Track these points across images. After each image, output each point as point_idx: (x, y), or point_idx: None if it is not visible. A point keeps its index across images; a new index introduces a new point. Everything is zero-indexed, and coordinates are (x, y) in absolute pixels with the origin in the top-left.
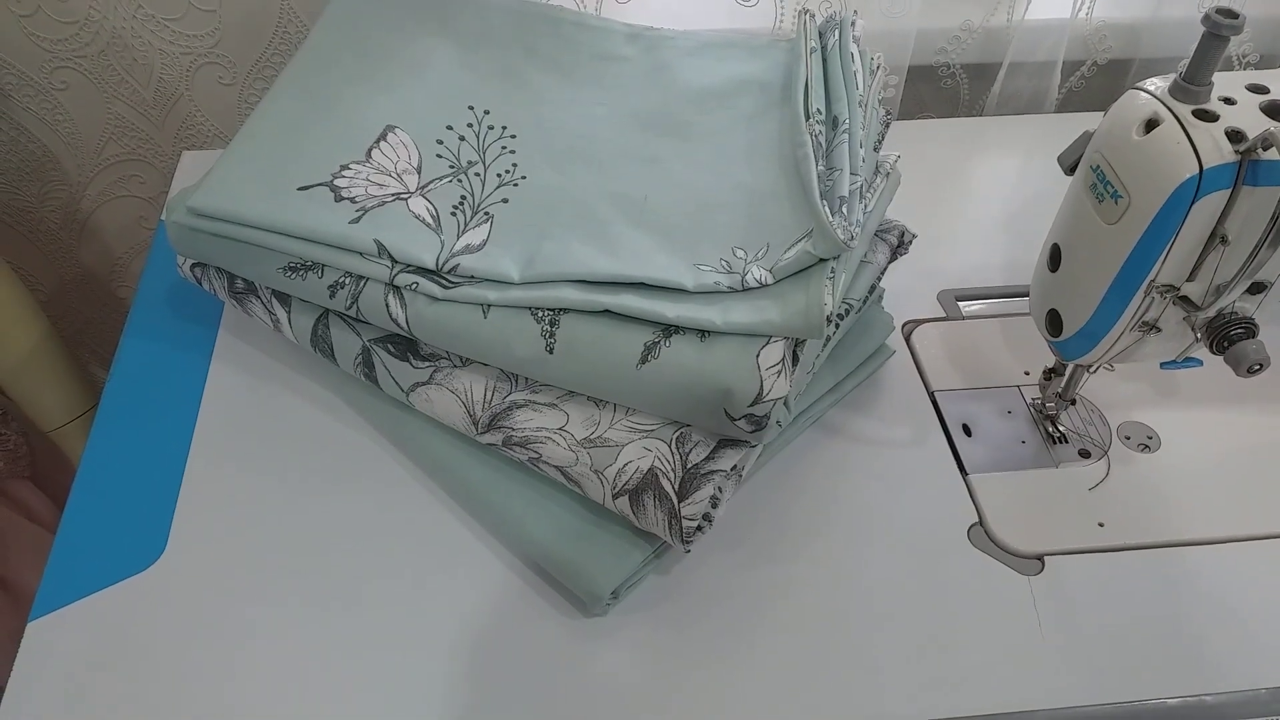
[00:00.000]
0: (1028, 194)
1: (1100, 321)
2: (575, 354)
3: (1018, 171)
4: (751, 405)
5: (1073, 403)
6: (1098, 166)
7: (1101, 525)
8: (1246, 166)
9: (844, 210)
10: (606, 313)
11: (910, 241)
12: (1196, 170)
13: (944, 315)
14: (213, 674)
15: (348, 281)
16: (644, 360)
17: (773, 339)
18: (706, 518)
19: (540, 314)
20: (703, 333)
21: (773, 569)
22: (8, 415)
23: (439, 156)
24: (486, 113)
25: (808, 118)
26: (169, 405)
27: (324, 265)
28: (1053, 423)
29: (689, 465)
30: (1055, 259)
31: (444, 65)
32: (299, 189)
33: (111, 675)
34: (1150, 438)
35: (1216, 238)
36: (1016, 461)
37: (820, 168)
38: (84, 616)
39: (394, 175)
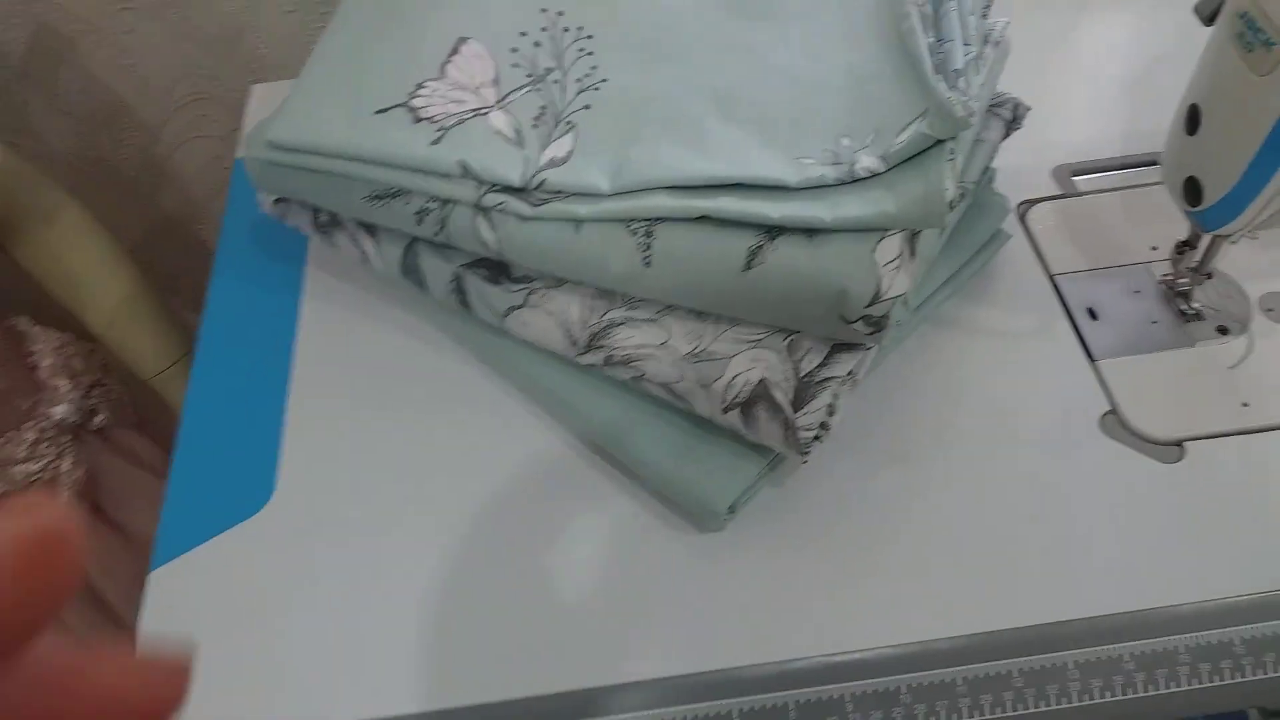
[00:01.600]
0: (1147, 56)
1: (1247, 187)
2: (674, 265)
3: (1134, 31)
4: (869, 305)
5: (1209, 276)
6: (1246, 13)
7: (1246, 405)
8: None
9: (961, 85)
10: (705, 219)
11: (1024, 115)
12: None
13: (1060, 192)
14: (335, 612)
15: (434, 206)
16: (748, 266)
17: (889, 232)
18: (824, 426)
19: (634, 225)
20: (810, 231)
21: (896, 472)
22: (108, 366)
23: (515, 66)
24: (560, 14)
25: None
26: (264, 346)
27: (409, 191)
28: (1186, 299)
29: (802, 374)
30: (1194, 121)
31: None
32: (376, 112)
33: (232, 619)
34: None
35: None
36: (1149, 343)
37: (930, 40)
38: (201, 563)
39: (471, 90)
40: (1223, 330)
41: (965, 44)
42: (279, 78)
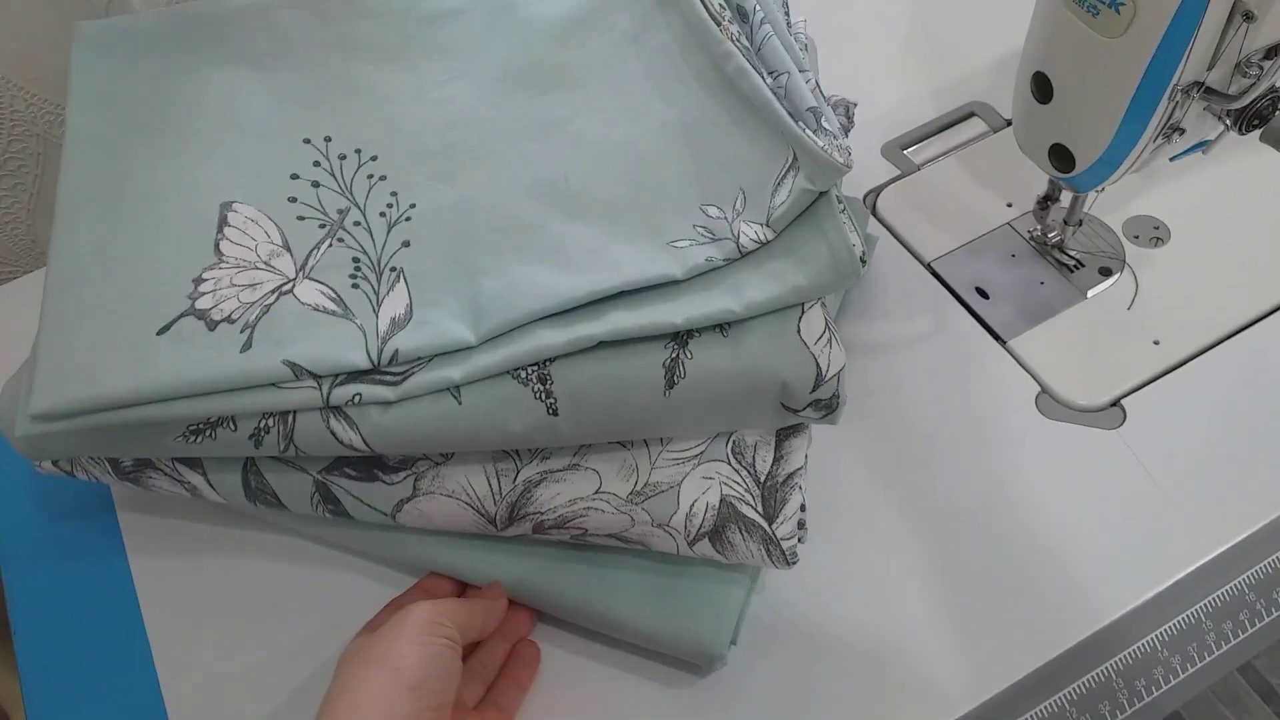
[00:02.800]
0: (918, 10)
1: (1121, 144)
2: (585, 407)
3: None
4: (814, 390)
5: (1080, 224)
6: None
7: (1157, 343)
8: None
9: (825, 125)
10: (601, 344)
11: (854, 112)
12: None
13: (899, 172)
14: None
15: (271, 423)
16: (670, 384)
17: (806, 306)
18: (801, 525)
19: (524, 374)
20: (722, 326)
21: (861, 532)
22: None
23: (301, 219)
24: (328, 140)
25: (717, 21)
26: (104, 637)
27: (234, 416)
28: (1062, 250)
29: (762, 478)
30: (1044, 89)
31: (252, 100)
32: (158, 333)
33: None
34: (1157, 228)
35: (1238, 15)
36: (1046, 308)
37: (768, 81)
38: None
39: (262, 265)
40: (1105, 272)
41: (802, 71)
42: None
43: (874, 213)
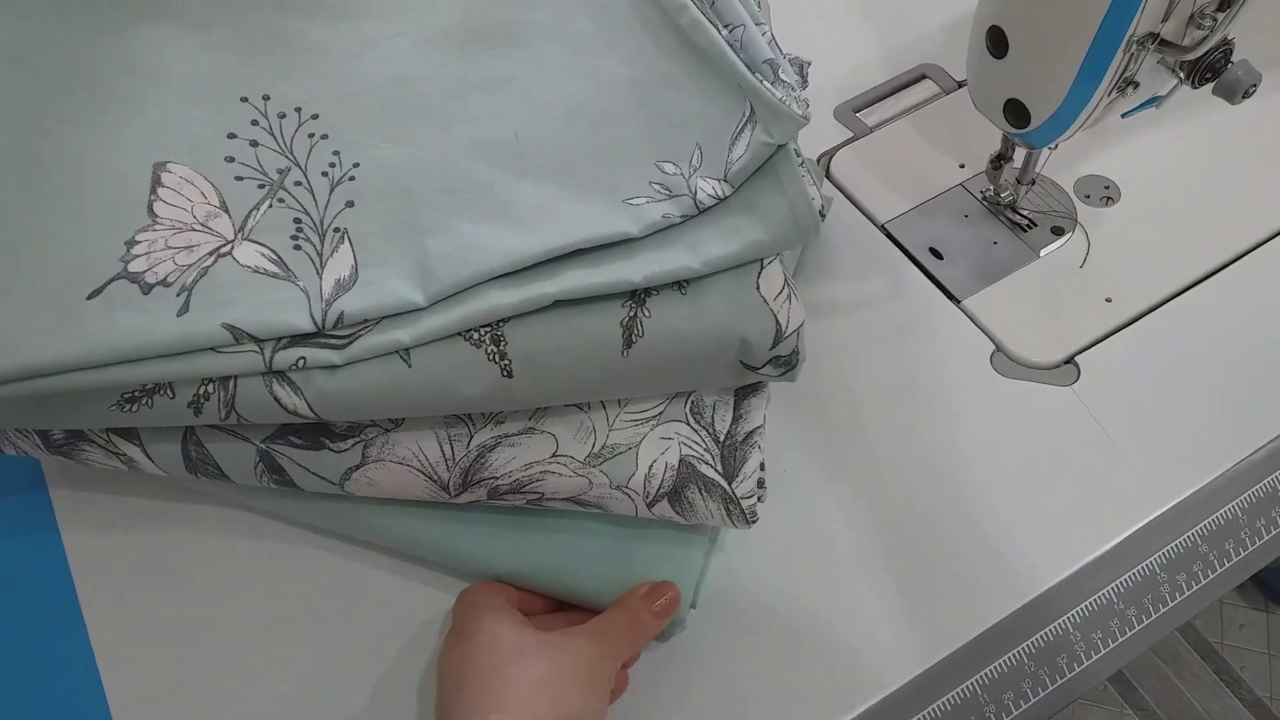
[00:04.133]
0: None
1: (1076, 99)
2: (542, 369)
3: None
4: (774, 347)
5: (1033, 183)
6: None
7: (1109, 300)
8: None
9: (784, 77)
10: (557, 303)
11: (807, 72)
12: None
13: (852, 134)
14: None
15: (211, 390)
16: (629, 343)
17: (765, 262)
18: (760, 484)
19: (477, 335)
20: (681, 284)
21: (821, 494)
22: None
23: (239, 179)
24: (266, 98)
25: None
26: (37, 616)
27: (171, 382)
28: (1014, 210)
29: (721, 437)
30: (999, 43)
31: (184, 58)
32: (89, 296)
33: None
34: (1108, 187)
35: None
36: (999, 267)
37: (724, 33)
38: None
39: (199, 227)
40: (1057, 231)
41: (758, 24)
42: None
43: (828, 175)
